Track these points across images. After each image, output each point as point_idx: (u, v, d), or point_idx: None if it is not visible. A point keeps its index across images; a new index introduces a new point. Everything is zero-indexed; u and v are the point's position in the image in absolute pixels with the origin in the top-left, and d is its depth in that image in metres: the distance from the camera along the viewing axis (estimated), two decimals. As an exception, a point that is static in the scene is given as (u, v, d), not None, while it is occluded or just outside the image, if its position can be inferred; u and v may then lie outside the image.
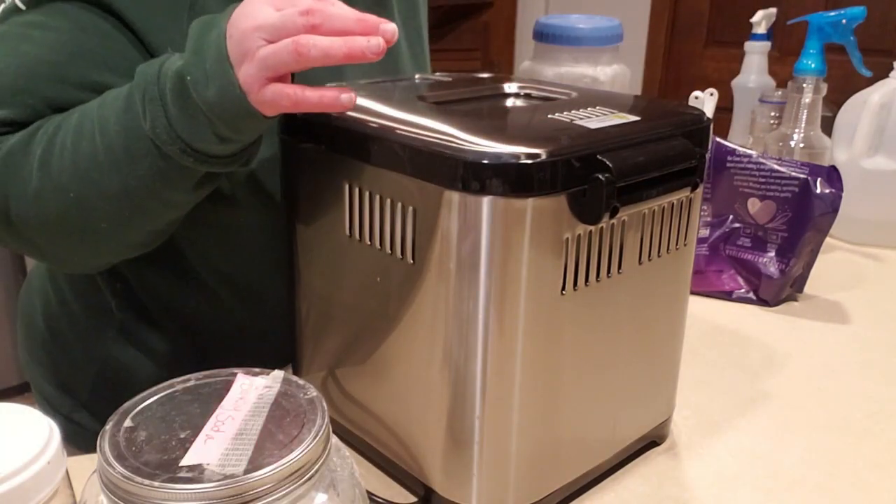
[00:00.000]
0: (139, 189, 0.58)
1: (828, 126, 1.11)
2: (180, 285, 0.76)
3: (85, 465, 0.42)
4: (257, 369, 0.44)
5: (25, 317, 0.84)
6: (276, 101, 0.51)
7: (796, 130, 1.05)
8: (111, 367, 0.78)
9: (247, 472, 0.35)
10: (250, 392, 0.42)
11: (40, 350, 0.83)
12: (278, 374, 0.43)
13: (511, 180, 0.46)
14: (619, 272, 0.53)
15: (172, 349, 0.78)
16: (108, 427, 0.39)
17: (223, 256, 0.74)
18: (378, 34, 0.48)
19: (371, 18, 0.49)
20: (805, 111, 1.03)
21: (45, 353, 0.82)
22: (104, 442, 0.38)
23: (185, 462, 0.36)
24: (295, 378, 0.43)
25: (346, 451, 0.43)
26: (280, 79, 0.51)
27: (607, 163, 0.47)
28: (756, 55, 1.31)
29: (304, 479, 0.37)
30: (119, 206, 0.59)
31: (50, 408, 0.83)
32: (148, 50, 0.63)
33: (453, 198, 0.47)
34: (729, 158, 0.93)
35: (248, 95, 0.51)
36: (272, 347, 0.79)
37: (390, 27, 0.49)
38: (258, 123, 0.54)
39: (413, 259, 0.51)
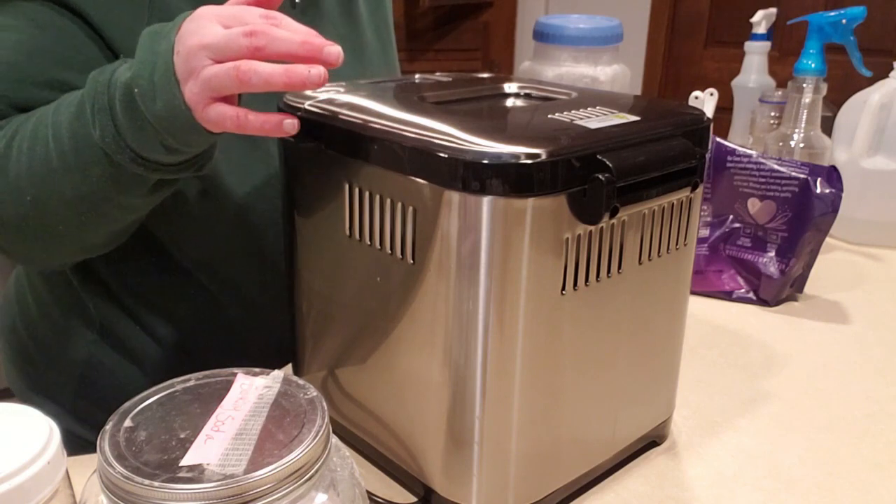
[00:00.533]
0: (93, 194, 0.58)
1: (828, 126, 1.11)
2: (160, 279, 0.76)
3: (85, 465, 0.42)
4: (257, 369, 0.44)
5: (6, 327, 0.84)
6: (219, 121, 0.51)
7: (796, 130, 1.05)
8: (94, 370, 0.78)
9: (247, 472, 0.35)
10: (250, 392, 0.42)
11: (22, 358, 0.82)
12: (278, 374, 0.43)
13: (511, 180, 0.46)
14: (619, 272, 0.53)
15: (156, 350, 0.78)
16: (108, 427, 0.39)
17: (202, 247, 0.74)
18: (322, 56, 0.48)
19: (315, 41, 0.48)
20: (805, 111, 1.03)
21: (27, 362, 0.82)
22: (104, 442, 0.38)
23: (185, 462, 0.36)
24: (295, 378, 0.43)
25: (346, 451, 0.43)
26: (225, 98, 0.51)
27: (607, 163, 0.47)
28: (756, 55, 1.31)
29: (304, 479, 0.37)
30: (75, 210, 0.59)
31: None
32: (108, 44, 0.63)
33: (453, 198, 0.47)
34: (729, 158, 0.93)
35: (193, 112, 0.51)
36: (260, 346, 0.79)
37: (335, 50, 0.49)
38: (205, 137, 0.54)
39: (413, 259, 0.51)
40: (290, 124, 0.52)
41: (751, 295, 0.93)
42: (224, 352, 0.79)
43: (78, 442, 0.78)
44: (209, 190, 0.71)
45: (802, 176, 0.89)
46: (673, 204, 0.55)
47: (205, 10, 0.52)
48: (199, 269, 0.75)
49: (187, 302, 0.77)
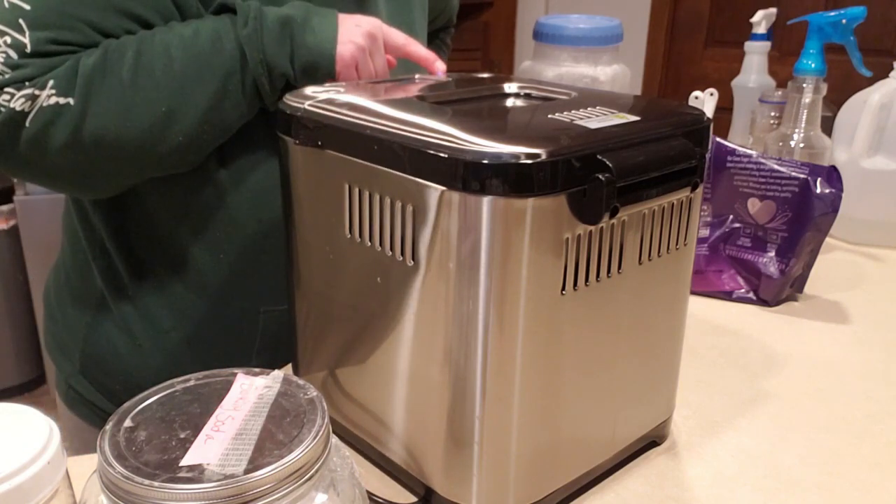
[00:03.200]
0: (222, 101, 0.68)
1: (828, 126, 1.11)
2: (158, 258, 0.80)
3: (85, 465, 0.42)
4: (257, 369, 0.44)
5: (45, 288, 0.92)
6: (351, 54, 0.70)
7: (796, 130, 1.05)
8: (96, 334, 0.84)
9: (247, 472, 0.35)
10: (250, 392, 0.42)
11: (49, 317, 0.90)
12: (278, 374, 0.44)
13: (511, 180, 0.46)
14: (619, 272, 0.53)
15: (144, 324, 0.82)
16: (108, 427, 0.39)
17: (194, 218, 0.78)
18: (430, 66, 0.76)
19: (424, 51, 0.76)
20: (805, 111, 1.03)
21: (51, 320, 0.89)
22: (104, 442, 0.38)
23: (185, 462, 0.36)
24: (295, 378, 0.43)
25: (346, 451, 0.43)
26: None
27: (607, 163, 0.47)
28: (756, 55, 1.31)
29: (304, 479, 0.37)
30: (202, 119, 0.68)
31: (58, 371, 0.89)
32: None
33: (453, 198, 0.47)
34: (729, 158, 0.93)
35: (336, 56, 0.69)
36: (249, 331, 0.83)
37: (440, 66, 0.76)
38: (325, 66, 0.70)
39: (413, 259, 0.51)
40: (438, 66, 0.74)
41: (751, 295, 0.93)
42: (213, 343, 0.83)
43: (84, 404, 0.86)
44: (222, 178, 0.76)
45: (802, 176, 0.89)
46: (673, 204, 0.55)
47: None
48: (190, 239, 0.79)
49: (182, 286, 0.80)
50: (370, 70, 0.72)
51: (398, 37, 0.74)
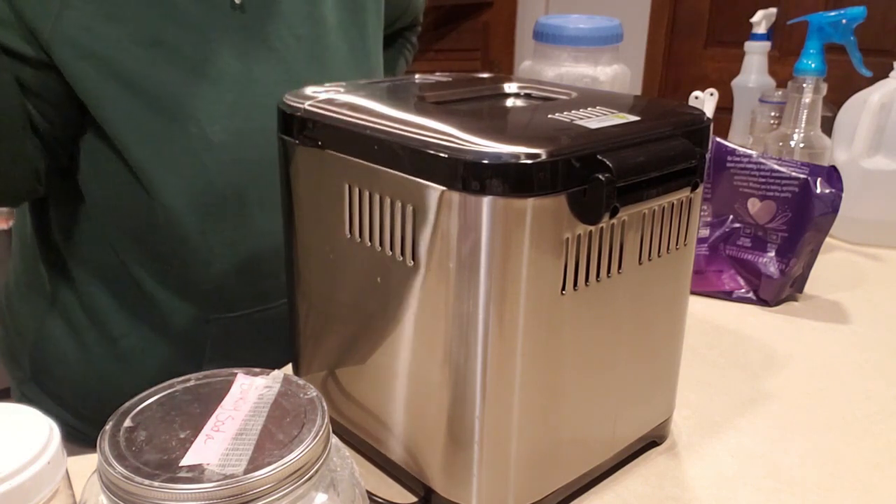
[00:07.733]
0: None
1: (828, 126, 1.11)
2: (104, 255, 0.79)
3: (85, 465, 0.42)
4: (257, 369, 0.44)
5: None
6: None
7: (796, 130, 1.05)
8: (45, 338, 0.83)
9: (247, 472, 0.35)
10: (250, 392, 0.42)
11: (1, 324, 0.89)
12: (278, 374, 0.44)
13: (511, 180, 0.46)
14: (619, 272, 0.53)
15: (94, 329, 0.81)
16: (108, 427, 0.39)
17: (133, 223, 0.77)
18: None
19: None
20: (805, 111, 1.03)
21: (2, 327, 0.88)
22: (104, 442, 0.38)
23: (185, 462, 0.36)
24: (295, 378, 0.43)
25: (346, 451, 0.43)
26: None
27: (607, 163, 0.47)
28: (756, 55, 1.31)
29: (304, 479, 0.37)
30: None
31: (11, 378, 0.88)
32: None
33: (453, 198, 0.47)
34: (729, 158, 0.93)
35: None
36: (199, 339, 0.82)
37: None
38: None
39: (413, 259, 0.51)
40: None
41: (751, 295, 0.93)
42: (161, 351, 0.82)
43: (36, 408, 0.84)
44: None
45: (802, 176, 0.89)
46: (673, 204, 0.55)
47: None
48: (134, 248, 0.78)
49: (133, 293, 0.80)
50: None
51: None
